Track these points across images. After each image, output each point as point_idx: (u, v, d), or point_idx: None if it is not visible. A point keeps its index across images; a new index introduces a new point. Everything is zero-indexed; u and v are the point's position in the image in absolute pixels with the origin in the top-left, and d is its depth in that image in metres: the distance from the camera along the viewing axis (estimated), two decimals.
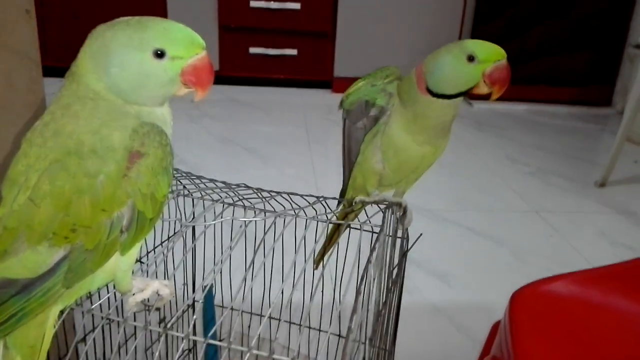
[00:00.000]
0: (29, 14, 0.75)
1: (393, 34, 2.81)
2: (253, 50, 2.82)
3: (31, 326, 0.43)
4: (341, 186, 0.81)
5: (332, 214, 0.68)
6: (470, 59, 0.60)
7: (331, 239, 0.80)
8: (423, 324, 1.20)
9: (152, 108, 0.46)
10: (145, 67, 0.43)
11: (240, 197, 0.68)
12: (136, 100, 0.45)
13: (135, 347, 0.54)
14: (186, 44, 0.44)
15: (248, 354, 0.41)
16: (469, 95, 0.63)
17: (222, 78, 2.85)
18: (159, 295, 0.53)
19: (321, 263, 0.82)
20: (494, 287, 1.30)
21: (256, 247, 0.59)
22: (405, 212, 0.67)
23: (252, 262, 0.57)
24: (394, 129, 0.66)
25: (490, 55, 0.60)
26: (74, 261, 0.42)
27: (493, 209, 1.76)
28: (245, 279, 0.54)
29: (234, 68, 2.83)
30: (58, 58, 2.30)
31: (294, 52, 2.84)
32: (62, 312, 0.47)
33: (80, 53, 0.45)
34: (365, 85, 0.69)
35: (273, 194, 0.69)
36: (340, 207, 0.71)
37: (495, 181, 1.97)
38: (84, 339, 0.67)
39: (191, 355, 0.97)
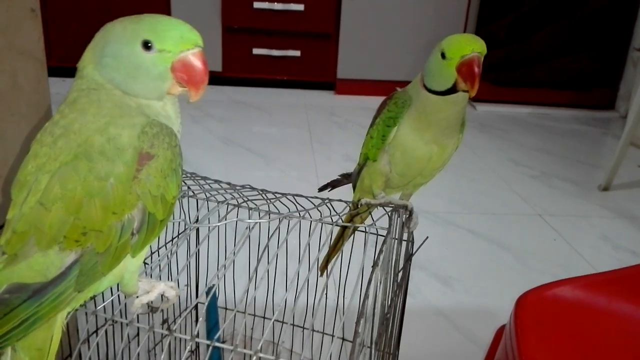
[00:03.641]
0: (34, 12, 0.75)
1: (396, 36, 2.81)
2: (256, 51, 2.82)
3: (39, 329, 0.43)
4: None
5: (338, 216, 0.68)
6: (443, 55, 0.60)
7: (337, 242, 0.79)
8: (426, 327, 1.19)
9: (148, 101, 0.46)
10: (134, 58, 0.43)
11: (245, 199, 0.68)
12: (131, 92, 0.45)
13: (139, 349, 0.54)
14: (175, 38, 0.43)
15: (254, 358, 0.41)
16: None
17: (225, 79, 2.84)
18: (164, 297, 0.52)
19: (326, 270, 0.82)
20: (497, 291, 1.29)
21: (261, 249, 0.59)
22: (411, 214, 0.67)
23: (257, 264, 0.56)
24: (401, 129, 0.67)
25: (456, 51, 0.59)
26: (86, 265, 0.42)
27: (496, 212, 1.75)
28: (250, 281, 0.54)
29: (237, 69, 2.83)
30: (62, 58, 2.31)
31: (297, 53, 2.84)
32: (67, 313, 0.47)
33: (86, 49, 0.46)
34: (378, 127, 0.69)
35: (278, 195, 0.69)
36: (347, 209, 0.71)
37: (499, 184, 1.97)
38: (87, 340, 0.67)
39: (194, 357, 0.96)
